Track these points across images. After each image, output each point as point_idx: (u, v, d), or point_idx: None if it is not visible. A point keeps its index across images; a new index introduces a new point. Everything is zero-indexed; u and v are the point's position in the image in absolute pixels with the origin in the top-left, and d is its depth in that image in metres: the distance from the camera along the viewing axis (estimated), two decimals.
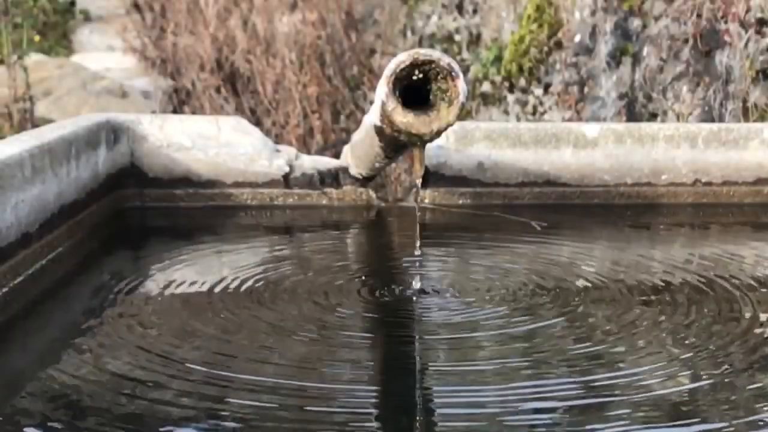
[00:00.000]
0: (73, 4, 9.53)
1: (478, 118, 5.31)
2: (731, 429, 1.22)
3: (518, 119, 4.95)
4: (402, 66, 1.54)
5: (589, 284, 1.87)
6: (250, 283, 1.85)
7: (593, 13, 4.27)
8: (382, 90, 1.55)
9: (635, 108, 3.96)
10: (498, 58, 5.21)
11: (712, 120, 3.38)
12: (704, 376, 1.39)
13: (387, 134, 1.67)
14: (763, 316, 1.70)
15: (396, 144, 1.77)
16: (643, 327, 1.62)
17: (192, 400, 1.28)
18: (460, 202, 2.63)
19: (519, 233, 2.38)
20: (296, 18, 6.79)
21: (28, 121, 5.61)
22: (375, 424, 1.27)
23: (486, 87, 5.33)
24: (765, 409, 1.28)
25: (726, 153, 2.68)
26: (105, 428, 1.20)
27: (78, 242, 2.13)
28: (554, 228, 2.43)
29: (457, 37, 5.93)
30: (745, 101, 3.21)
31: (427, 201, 2.62)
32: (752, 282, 1.92)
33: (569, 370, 1.42)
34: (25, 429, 1.19)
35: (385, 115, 1.58)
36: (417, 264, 1.84)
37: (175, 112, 6.71)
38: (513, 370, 1.43)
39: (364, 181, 2.63)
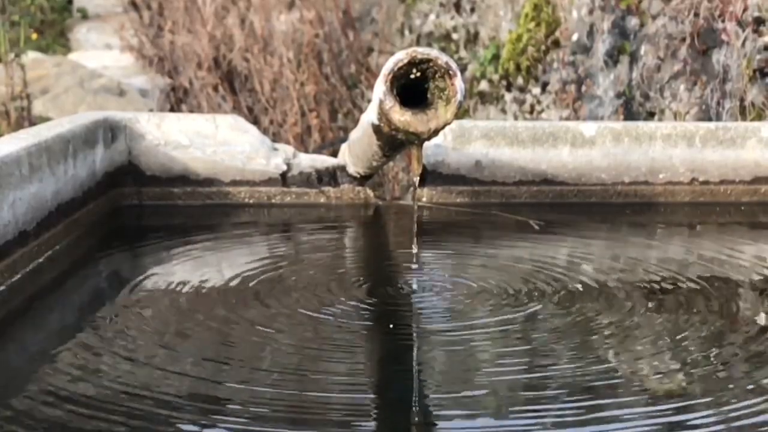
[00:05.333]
0: (70, 2, 9.51)
1: (475, 117, 5.31)
2: (729, 428, 1.22)
3: (516, 118, 4.95)
4: (400, 64, 1.54)
5: (587, 283, 1.87)
6: (247, 281, 1.85)
7: (591, 11, 4.27)
8: (380, 88, 1.55)
9: (633, 107, 3.96)
10: (496, 57, 5.21)
11: (710, 119, 3.39)
12: (702, 374, 1.40)
13: (385, 133, 1.67)
14: (760, 315, 1.70)
15: (394, 142, 1.77)
16: (641, 325, 1.62)
17: (191, 399, 1.28)
18: (458, 200, 2.63)
19: (517, 232, 2.39)
20: (294, 16, 6.78)
21: (26, 119, 5.60)
22: (372, 421, 1.27)
23: (484, 86, 5.33)
24: (762, 406, 1.28)
25: (723, 152, 2.68)
26: (103, 428, 1.20)
27: (75, 240, 2.12)
28: (552, 227, 2.43)
29: (454, 36, 5.92)
30: (742, 100, 3.21)
31: (424, 199, 2.62)
32: (750, 281, 1.92)
33: (567, 369, 1.42)
34: (21, 429, 1.19)
35: (382, 114, 1.58)
36: (414, 262, 1.84)
37: (172, 110, 6.71)
38: (511, 369, 1.43)
39: (362, 180, 2.63)
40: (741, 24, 3.23)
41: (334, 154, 2.87)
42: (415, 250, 1.81)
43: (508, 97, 5.08)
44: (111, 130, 2.49)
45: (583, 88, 4.33)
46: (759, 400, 1.30)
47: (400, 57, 1.54)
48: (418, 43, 6.24)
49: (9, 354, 1.48)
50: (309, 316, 1.65)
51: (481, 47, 5.56)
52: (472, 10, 5.70)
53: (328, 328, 1.61)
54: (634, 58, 3.97)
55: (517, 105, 4.99)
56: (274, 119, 6.31)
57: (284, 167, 2.60)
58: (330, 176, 2.64)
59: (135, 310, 1.68)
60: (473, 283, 1.86)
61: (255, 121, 5.96)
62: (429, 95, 1.58)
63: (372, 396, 1.37)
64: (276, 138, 5.60)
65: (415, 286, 1.81)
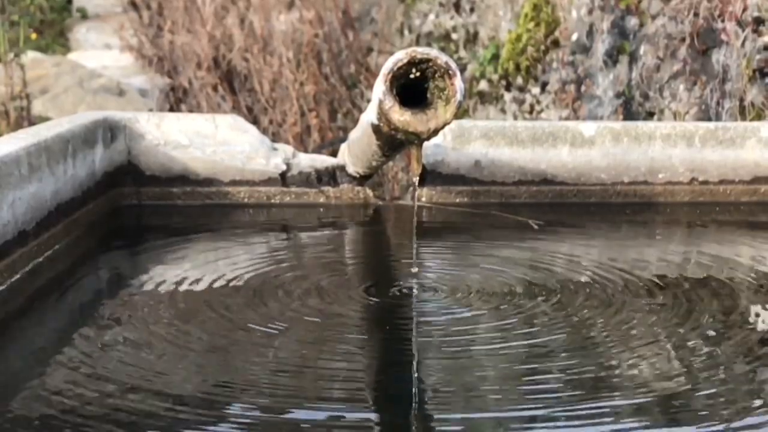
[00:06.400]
0: (69, 2, 9.51)
1: (475, 117, 5.31)
2: (727, 427, 1.22)
3: (515, 118, 4.95)
4: (399, 64, 1.54)
5: (586, 282, 1.87)
6: (247, 281, 1.85)
7: (590, 11, 4.27)
8: (380, 88, 1.55)
9: (632, 107, 3.96)
10: (495, 57, 5.21)
11: (709, 119, 3.39)
12: (701, 374, 1.40)
13: (384, 132, 1.67)
14: (759, 314, 1.70)
15: (393, 142, 1.77)
16: (640, 325, 1.62)
17: (190, 400, 1.28)
18: (458, 200, 2.63)
19: (516, 232, 2.39)
20: (293, 16, 6.78)
21: (25, 119, 5.60)
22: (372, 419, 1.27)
23: (483, 85, 5.33)
24: (762, 406, 1.28)
25: (723, 152, 2.68)
26: (103, 428, 1.20)
27: (74, 240, 2.12)
28: (551, 226, 2.43)
29: (454, 36, 5.92)
30: (741, 100, 3.21)
31: (424, 199, 2.62)
32: (748, 280, 1.92)
33: (566, 368, 1.42)
34: (21, 429, 1.19)
35: (382, 114, 1.58)
36: (413, 262, 1.84)
37: (172, 110, 6.71)
38: (509, 369, 1.43)
39: (362, 180, 2.63)
40: (741, 24, 3.23)
41: (334, 153, 2.87)
42: (414, 251, 1.81)
43: (507, 96, 5.08)
44: (110, 130, 2.49)
45: (583, 88, 4.33)
46: (759, 399, 1.30)
47: (400, 57, 1.54)
48: (417, 42, 6.24)
49: (9, 354, 1.48)
50: (307, 316, 1.65)
51: (481, 47, 5.56)
52: (472, 9, 5.70)
53: (326, 328, 1.61)
54: (633, 58, 3.97)
55: (516, 105, 4.99)
56: (274, 119, 6.31)
57: (284, 167, 2.60)
58: (329, 176, 2.64)
59: (134, 309, 1.68)
60: (472, 283, 1.86)
61: (254, 121, 5.96)
62: (428, 95, 1.58)
63: (371, 396, 1.36)
64: (275, 138, 5.60)
65: (414, 286, 1.81)
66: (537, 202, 2.65)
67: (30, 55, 6.44)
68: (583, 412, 1.26)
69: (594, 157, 2.66)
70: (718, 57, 3.38)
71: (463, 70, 5.44)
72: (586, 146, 2.65)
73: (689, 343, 1.53)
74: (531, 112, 4.82)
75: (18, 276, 1.79)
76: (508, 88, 5.06)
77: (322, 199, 2.62)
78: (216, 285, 1.82)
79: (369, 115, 1.78)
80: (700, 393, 1.33)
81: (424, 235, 2.20)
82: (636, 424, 1.23)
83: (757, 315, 1.70)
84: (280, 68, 6.34)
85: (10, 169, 1.77)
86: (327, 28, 6.61)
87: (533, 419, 1.25)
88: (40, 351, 1.51)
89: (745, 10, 3.22)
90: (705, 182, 2.70)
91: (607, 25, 4.10)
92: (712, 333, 1.59)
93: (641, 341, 1.54)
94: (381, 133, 1.72)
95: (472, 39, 5.72)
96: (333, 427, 1.22)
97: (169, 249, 2.16)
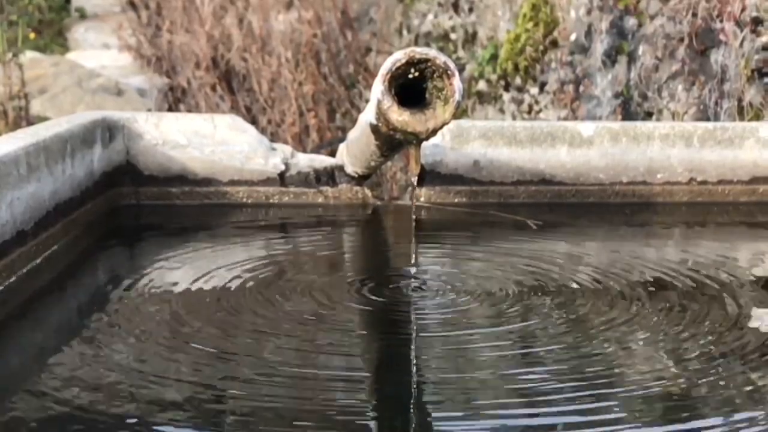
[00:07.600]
0: (68, 1, 9.51)
1: (473, 117, 5.31)
2: (725, 426, 1.22)
3: (514, 118, 4.95)
4: (398, 64, 1.54)
5: (585, 283, 1.88)
6: (245, 281, 1.85)
7: (589, 11, 4.27)
8: (378, 88, 1.55)
9: (631, 107, 3.96)
10: (494, 57, 5.21)
11: (708, 119, 3.39)
12: (699, 374, 1.40)
13: (383, 132, 1.67)
14: (758, 314, 1.70)
15: (392, 142, 1.77)
16: (638, 325, 1.62)
17: (190, 400, 1.28)
18: (456, 200, 2.63)
19: (515, 232, 2.39)
20: (292, 16, 6.78)
21: (24, 119, 5.59)
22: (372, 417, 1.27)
23: (482, 85, 5.33)
24: (759, 406, 1.28)
25: (721, 152, 2.68)
26: (101, 428, 1.20)
27: (73, 240, 2.12)
28: (550, 227, 2.43)
29: (453, 36, 5.92)
30: (740, 100, 3.21)
31: (422, 199, 2.62)
32: (747, 280, 1.93)
33: (564, 368, 1.42)
34: (20, 429, 1.19)
35: (381, 114, 1.58)
36: (412, 262, 1.84)
37: (170, 110, 6.71)
38: (508, 369, 1.43)
39: (360, 180, 2.63)
40: (739, 24, 3.24)
41: (333, 153, 2.87)
42: (413, 250, 1.81)
43: (506, 97, 5.08)
44: (109, 130, 2.49)
45: (581, 88, 4.33)
46: (757, 399, 1.30)
47: (399, 57, 1.54)
48: (416, 42, 6.24)
49: (8, 354, 1.48)
50: (305, 316, 1.65)
51: (480, 47, 5.56)
52: (471, 9, 5.70)
53: (325, 328, 1.61)
54: (632, 58, 3.97)
55: (515, 105, 4.99)
56: (272, 119, 6.31)
57: (282, 167, 2.60)
58: (328, 176, 2.64)
59: (133, 309, 1.68)
60: (470, 283, 1.86)
61: (253, 121, 5.96)
62: (427, 95, 1.58)
63: (370, 396, 1.37)
64: (274, 138, 5.60)
65: (412, 286, 1.81)
66: (535, 202, 2.65)
67: (28, 55, 6.43)
68: (582, 412, 1.26)
69: (592, 157, 2.66)
70: (716, 57, 3.38)
71: (461, 70, 5.44)
72: (585, 146, 2.65)
73: (688, 344, 1.53)
74: (529, 112, 4.82)
75: (16, 276, 1.79)
76: (506, 88, 5.06)
77: (320, 199, 2.62)
78: (215, 285, 1.82)
79: (367, 115, 1.79)
80: (699, 393, 1.33)
81: (423, 235, 2.20)
82: (635, 425, 1.23)
83: (756, 315, 1.70)
84: (278, 68, 6.34)
85: (8, 169, 1.76)
86: (326, 28, 6.61)
87: (531, 421, 1.26)
88: (38, 352, 1.51)
89: (743, 10, 3.22)
90: (703, 182, 2.70)
91: (606, 25, 4.10)
92: (711, 333, 1.59)
93: (640, 341, 1.54)
94: (379, 133, 1.72)
95: (470, 39, 5.72)
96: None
97: (168, 249, 2.16)
